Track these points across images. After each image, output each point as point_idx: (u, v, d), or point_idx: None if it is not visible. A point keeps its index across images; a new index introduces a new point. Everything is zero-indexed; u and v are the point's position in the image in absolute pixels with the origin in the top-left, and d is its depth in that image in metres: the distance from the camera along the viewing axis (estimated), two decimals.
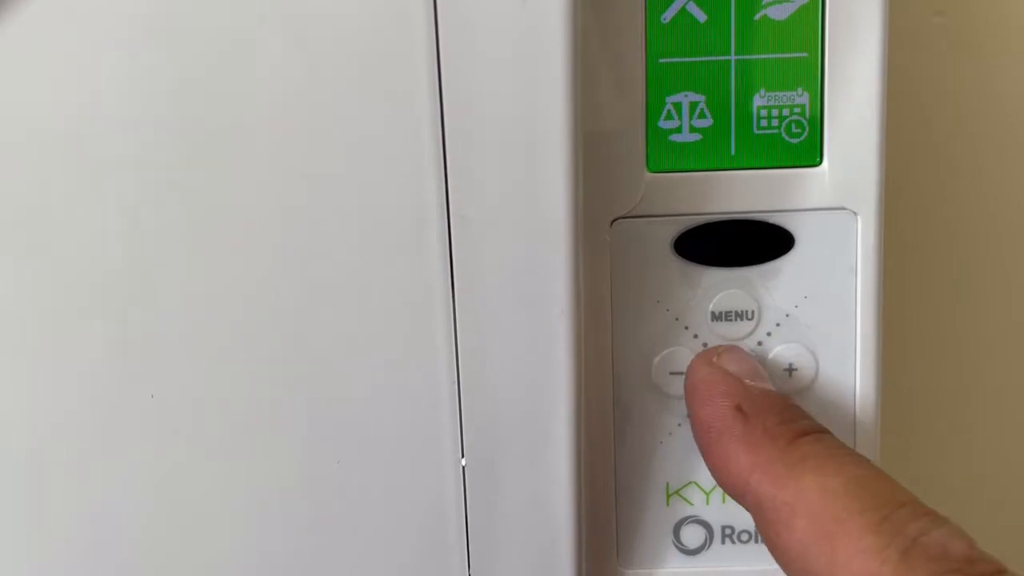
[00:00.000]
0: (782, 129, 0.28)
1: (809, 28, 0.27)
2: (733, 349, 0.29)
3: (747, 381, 0.27)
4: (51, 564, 0.29)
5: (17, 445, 0.28)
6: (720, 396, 0.27)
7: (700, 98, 0.28)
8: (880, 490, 0.23)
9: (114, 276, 0.27)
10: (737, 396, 0.27)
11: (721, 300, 0.29)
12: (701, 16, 0.27)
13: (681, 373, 0.29)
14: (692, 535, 0.30)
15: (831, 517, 0.23)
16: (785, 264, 0.29)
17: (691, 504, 0.30)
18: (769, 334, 0.29)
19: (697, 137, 0.28)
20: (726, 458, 0.26)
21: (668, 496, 0.30)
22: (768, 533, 0.24)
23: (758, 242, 0.28)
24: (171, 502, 0.28)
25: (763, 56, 0.28)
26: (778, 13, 0.27)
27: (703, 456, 0.27)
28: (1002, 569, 0.22)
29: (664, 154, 0.28)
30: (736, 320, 0.29)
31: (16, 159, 0.26)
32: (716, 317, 0.29)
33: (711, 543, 0.30)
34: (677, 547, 0.30)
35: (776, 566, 0.30)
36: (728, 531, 0.30)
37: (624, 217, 0.28)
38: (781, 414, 0.26)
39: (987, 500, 0.39)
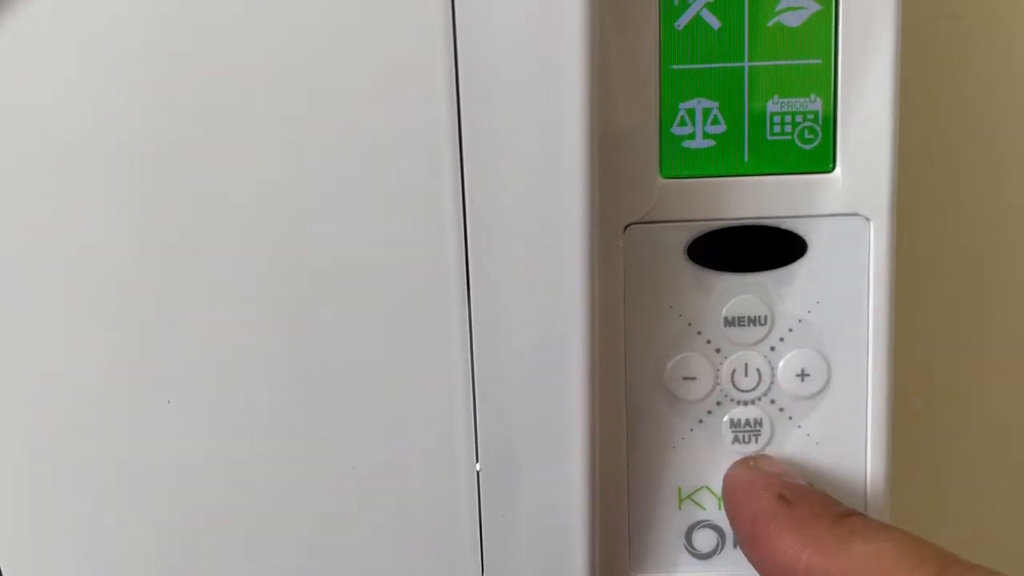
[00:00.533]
0: (795, 135, 0.28)
1: (822, 34, 0.28)
2: (767, 456, 0.29)
3: (784, 478, 0.28)
4: (61, 564, 0.29)
5: (26, 447, 0.28)
6: (762, 489, 0.28)
7: (713, 104, 0.28)
8: (930, 550, 0.24)
9: (125, 278, 0.27)
10: (779, 487, 0.27)
11: (734, 305, 0.29)
12: (715, 23, 0.27)
13: (695, 378, 0.29)
14: (704, 539, 0.30)
15: (888, 574, 0.24)
16: (798, 270, 0.29)
17: (703, 508, 0.30)
18: (782, 339, 0.29)
19: (710, 143, 0.28)
20: (774, 544, 0.26)
21: (680, 500, 0.30)
22: None
23: (771, 248, 0.29)
24: (183, 504, 0.28)
25: (776, 62, 0.28)
26: (791, 20, 0.28)
27: (748, 550, 0.28)
28: None
29: (677, 160, 0.28)
30: (749, 325, 0.29)
31: (29, 161, 0.26)
32: (729, 322, 0.29)
33: (723, 547, 0.30)
34: (689, 551, 0.30)
35: None
36: None
37: (637, 223, 0.28)
38: (823, 498, 0.27)
39: (1002, 505, 0.39)
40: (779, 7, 0.27)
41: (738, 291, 0.29)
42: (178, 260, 0.27)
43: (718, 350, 0.29)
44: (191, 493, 0.28)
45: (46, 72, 0.26)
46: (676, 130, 0.28)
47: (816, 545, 0.25)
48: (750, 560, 0.27)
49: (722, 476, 0.30)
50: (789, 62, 0.28)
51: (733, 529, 0.29)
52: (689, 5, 0.27)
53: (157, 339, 0.27)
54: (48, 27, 0.26)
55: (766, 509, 0.27)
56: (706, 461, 0.30)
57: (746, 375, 0.29)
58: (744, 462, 0.29)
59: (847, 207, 0.28)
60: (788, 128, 0.28)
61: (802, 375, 0.29)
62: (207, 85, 0.26)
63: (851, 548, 0.25)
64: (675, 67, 0.28)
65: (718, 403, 0.29)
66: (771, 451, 0.30)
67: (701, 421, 0.29)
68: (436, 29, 0.25)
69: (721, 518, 0.30)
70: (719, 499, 0.30)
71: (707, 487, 0.30)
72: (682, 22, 0.27)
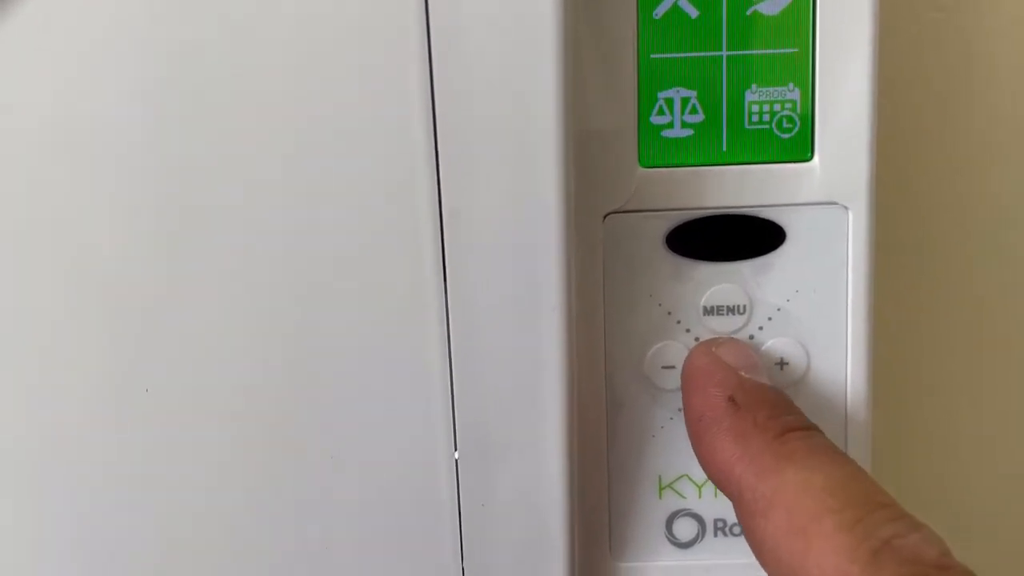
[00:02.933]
0: (773, 124, 0.28)
1: (801, 23, 0.28)
2: (732, 341, 0.29)
3: (742, 373, 0.27)
4: (50, 562, 0.29)
5: (16, 445, 0.28)
6: (714, 386, 0.27)
7: (691, 93, 0.28)
8: (859, 491, 0.23)
9: (108, 272, 0.27)
10: (731, 387, 0.27)
11: (713, 294, 0.29)
12: (693, 12, 0.27)
13: (674, 367, 0.29)
14: (684, 528, 0.30)
15: (807, 513, 0.23)
16: (776, 259, 0.29)
17: (683, 497, 0.30)
18: (760, 328, 0.29)
19: (689, 132, 0.28)
20: (713, 447, 0.26)
21: (660, 489, 0.30)
22: (746, 523, 0.25)
23: (749, 237, 0.29)
24: (164, 498, 0.29)
25: (754, 52, 0.28)
26: (770, 8, 0.28)
27: (692, 444, 0.27)
28: None
29: (656, 149, 0.28)
30: (728, 314, 0.29)
31: (16, 159, 0.27)
32: (708, 311, 0.29)
33: (703, 536, 0.30)
34: (670, 540, 0.30)
35: None
36: (720, 524, 0.30)
37: (616, 212, 0.28)
38: (773, 408, 0.26)
39: (976, 494, 0.39)
40: None
41: (717, 280, 0.29)
42: (161, 256, 0.27)
43: (697, 338, 0.29)
44: (168, 485, 0.28)
45: (37, 70, 0.26)
46: (654, 119, 0.28)
47: (752, 460, 0.25)
48: (694, 452, 0.27)
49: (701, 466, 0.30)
50: (767, 51, 0.28)
51: (684, 419, 0.28)
52: None
53: (137, 332, 0.27)
54: (44, 27, 0.26)
55: (713, 409, 0.26)
56: (686, 450, 0.30)
57: None
58: (707, 346, 0.28)
59: (825, 196, 0.28)
60: (766, 117, 0.28)
61: (781, 364, 0.29)
62: (187, 86, 0.26)
63: (783, 473, 0.24)
64: (653, 56, 0.28)
65: None
66: None
67: (680, 410, 0.30)
68: (409, 20, 0.25)
69: (702, 507, 0.30)
70: (700, 488, 0.30)
71: (687, 475, 0.30)
72: (660, 11, 0.27)
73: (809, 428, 0.26)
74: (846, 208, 0.28)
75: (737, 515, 0.25)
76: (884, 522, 0.22)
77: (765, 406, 0.26)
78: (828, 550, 0.22)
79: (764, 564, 0.24)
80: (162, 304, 0.27)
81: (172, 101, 0.26)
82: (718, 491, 0.30)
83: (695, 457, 0.29)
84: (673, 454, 0.30)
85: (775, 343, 0.29)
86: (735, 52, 0.28)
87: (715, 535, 0.30)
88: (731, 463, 0.25)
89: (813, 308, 0.29)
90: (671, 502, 0.30)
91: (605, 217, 0.28)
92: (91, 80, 0.26)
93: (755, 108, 0.28)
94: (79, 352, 0.28)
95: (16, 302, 0.27)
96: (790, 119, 0.28)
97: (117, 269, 0.27)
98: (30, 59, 0.26)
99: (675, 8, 0.27)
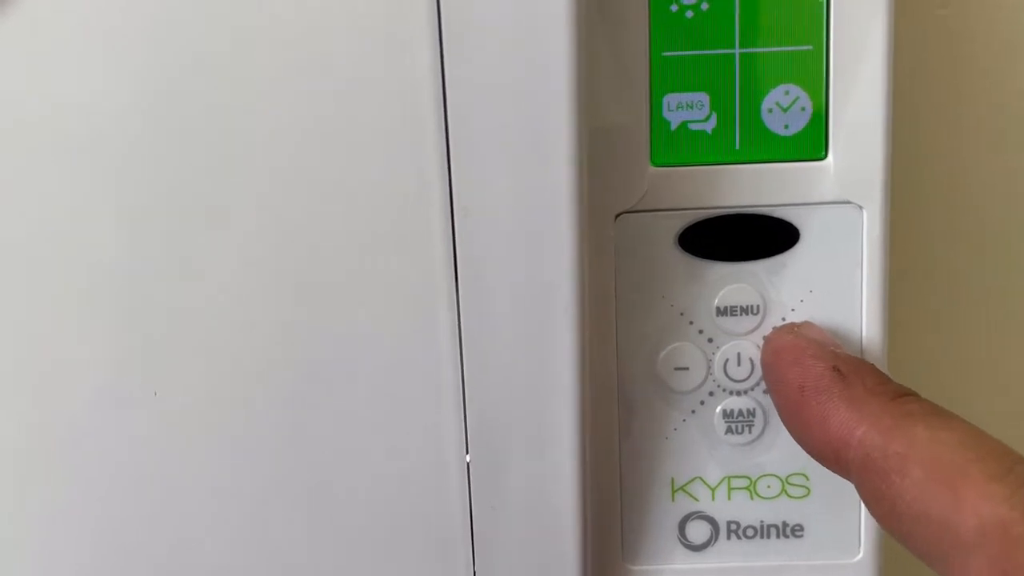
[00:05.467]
0: (787, 122, 0.28)
1: (814, 21, 0.27)
2: (810, 323, 0.29)
3: (835, 348, 0.27)
4: (50, 561, 0.29)
5: (18, 445, 0.28)
6: (811, 358, 0.27)
7: (705, 93, 0.28)
8: (994, 445, 0.23)
9: (115, 270, 0.27)
10: (830, 358, 0.26)
11: (726, 295, 0.29)
12: (706, 8, 0.27)
13: (687, 369, 0.29)
14: (697, 531, 0.30)
15: (950, 465, 0.23)
16: (790, 258, 0.28)
17: (696, 500, 0.30)
18: (774, 329, 0.29)
19: (702, 131, 0.28)
20: (825, 416, 0.25)
21: (673, 492, 0.30)
22: (877, 484, 0.24)
23: (763, 236, 0.28)
24: (170, 498, 0.28)
25: (767, 49, 0.27)
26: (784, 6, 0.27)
27: (789, 416, 0.27)
28: None
29: (668, 148, 0.28)
30: (741, 315, 0.29)
31: (17, 158, 0.26)
32: (721, 312, 0.29)
33: (717, 539, 0.30)
34: (682, 543, 0.30)
35: (782, 562, 0.30)
36: (734, 527, 0.30)
37: (628, 212, 0.28)
38: (878, 374, 0.26)
39: None
40: None
41: (730, 280, 0.29)
42: (167, 253, 0.27)
43: (710, 340, 0.29)
44: (178, 485, 0.28)
45: (36, 70, 0.26)
46: (667, 117, 0.28)
47: (873, 422, 0.24)
48: (790, 430, 0.27)
49: (714, 467, 0.29)
50: (781, 49, 0.28)
51: (772, 396, 0.28)
52: None
53: (143, 332, 0.27)
54: (45, 27, 0.26)
55: (818, 379, 0.26)
56: (699, 452, 0.30)
57: (739, 365, 0.29)
58: (788, 328, 0.28)
59: (840, 195, 0.28)
60: (780, 115, 0.28)
61: None
62: (191, 85, 0.26)
63: (912, 432, 0.24)
64: (666, 54, 0.27)
65: (711, 393, 0.29)
66: (765, 443, 0.30)
67: (694, 412, 0.29)
68: (421, 16, 0.25)
69: (715, 509, 0.30)
70: (713, 490, 0.30)
71: (700, 478, 0.30)
72: (674, 7, 0.27)
73: (916, 393, 0.26)
74: (860, 207, 0.28)
75: (862, 479, 0.25)
76: None
77: (870, 373, 0.26)
78: (983, 499, 0.22)
79: (898, 522, 0.24)
80: (169, 302, 0.27)
81: (178, 101, 0.26)
82: (732, 493, 0.30)
83: (709, 459, 0.29)
84: (686, 456, 0.30)
85: None
86: (748, 50, 0.27)
87: (728, 538, 0.30)
88: (850, 428, 0.25)
89: (827, 308, 0.29)
90: (684, 505, 0.30)
91: (617, 217, 0.28)
92: (94, 79, 0.26)
93: (769, 106, 0.28)
94: (83, 351, 0.27)
95: (16, 301, 0.27)
96: (804, 117, 0.28)
97: (126, 267, 0.27)
98: (30, 59, 0.26)
99: (688, 6, 0.27)
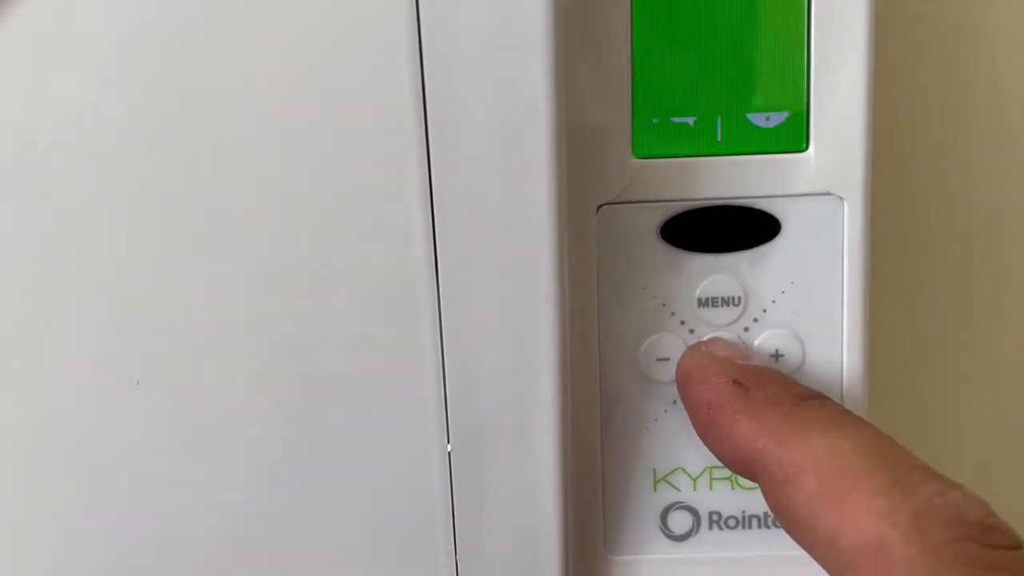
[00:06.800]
0: (768, 114, 0.28)
1: (795, 13, 0.27)
2: (718, 338, 0.29)
3: (739, 361, 0.27)
4: (46, 557, 0.29)
5: (13, 443, 0.28)
6: (715, 374, 0.27)
7: (686, 83, 0.28)
8: (890, 453, 0.23)
9: (107, 271, 0.27)
10: (733, 373, 0.27)
11: (707, 286, 0.29)
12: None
13: (668, 359, 0.29)
14: (679, 521, 0.30)
15: (840, 476, 0.22)
16: (771, 250, 0.29)
17: (678, 490, 0.30)
18: (756, 320, 0.29)
19: (683, 122, 0.28)
20: (729, 430, 0.25)
21: (655, 482, 0.30)
22: (775, 495, 0.24)
23: (744, 228, 0.28)
24: (157, 494, 0.28)
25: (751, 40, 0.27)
26: None
27: (703, 434, 0.27)
28: (1020, 544, 0.21)
29: (650, 140, 0.28)
30: (723, 306, 0.29)
31: (12, 157, 0.26)
32: (702, 303, 0.29)
33: (698, 529, 0.30)
34: (664, 533, 0.30)
35: (764, 552, 0.30)
36: (715, 517, 0.30)
37: (610, 203, 0.28)
38: (780, 382, 0.26)
39: (975, 485, 0.39)
40: None
41: (711, 271, 0.29)
42: (158, 253, 0.27)
43: (692, 331, 0.29)
44: (165, 481, 0.28)
45: (35, 70, 0.26)
46: (648, 109, 0.28)
47: (772, 433, 0.24)
48: (707, 445, 0.27)
49: (696, 458, 0.30)
50: (763, 40, 0.28)
51: (688, 415, 0.28)
52: None
53: (128, 327, 0.27)
54: (45, 27, 0.26)
55: (720, 395, 0.26)
56: (680, 442, 0.30)
57: None
58: (696, 347, 0.28)
59: (821, 187, 0.28)
60: (761, 107, 0.28)
61: (776, 355, 0.29)
62: (182, 86, 0.26)
63: (808, 442, 0.24)
64: (647, 45, 0.27)
65: None
66: None
67: (675, 402, 0.29)
68: (400, 14, 0.25)
69: (696, 500, 0.30)
70: (694, 480, 0.30)
71: (682, 468, 0.30)
72: None
73: (821, 396, 0.26)
74: (841, 199, 0.28)
75: (764, 491, 0.25)
76: (921, 482, 0.22)
77: (772, 382, 0.26)
78: (865, 513, 0.21)
79: (796, 534, 0.24)
80: (159, 299, 0.27)
81: (167, 105, 0.26)
82: (713, 484, 0.30)
83: (690, 450, 0.29)
84: (668, 447, 0.30)
85: (770, 335, 0.29)
86: (730, 40, 0.27)
87: (710, 528, 0.30)
88: (751, 440, 0.25)
89: (809, 299, 0.29)
90: (666, 495, 0.30)
91: (599, 208, 0.28)
92: (88, 80, 0.26)
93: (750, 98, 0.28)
94: (76, 349, 0.28)
95: (15, 301, 0.27)
96: (785, 108, 0.28)
97: (115, 268, 0.27)
98: (30, 59, 0.26)
99: None
